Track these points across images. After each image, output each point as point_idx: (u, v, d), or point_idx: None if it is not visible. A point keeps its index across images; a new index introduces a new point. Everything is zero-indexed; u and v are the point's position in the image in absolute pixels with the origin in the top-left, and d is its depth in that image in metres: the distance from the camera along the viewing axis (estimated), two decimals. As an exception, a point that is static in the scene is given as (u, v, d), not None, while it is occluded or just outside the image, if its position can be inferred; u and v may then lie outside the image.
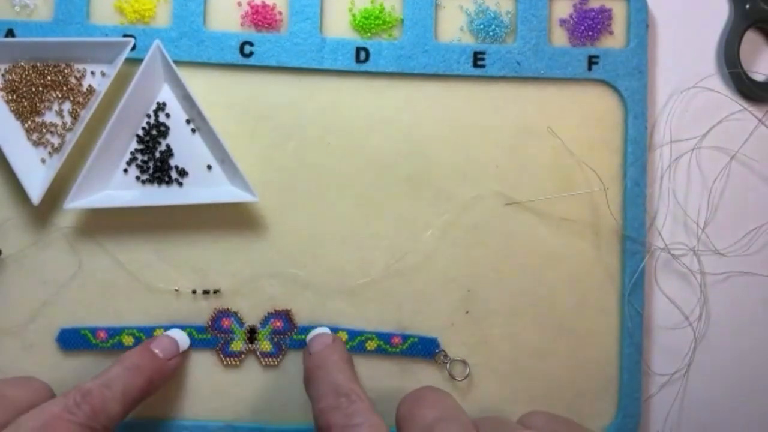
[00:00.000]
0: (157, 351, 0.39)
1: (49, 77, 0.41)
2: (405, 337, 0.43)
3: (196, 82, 0.43)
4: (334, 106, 0.44)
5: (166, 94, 0.42)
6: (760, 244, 0.47)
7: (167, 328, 0.42)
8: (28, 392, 0.36)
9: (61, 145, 0.42)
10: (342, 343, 0.41)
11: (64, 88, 0.41)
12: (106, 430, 0.34)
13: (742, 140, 0.46)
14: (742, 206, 0.47)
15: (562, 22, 0.45)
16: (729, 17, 0.47)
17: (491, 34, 0.44)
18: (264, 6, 0.43)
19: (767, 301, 0.47)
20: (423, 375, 0.43)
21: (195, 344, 0.42)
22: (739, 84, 0.47)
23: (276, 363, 0.43)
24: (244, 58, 0.43)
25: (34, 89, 0.41)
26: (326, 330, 0.42)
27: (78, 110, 0.42)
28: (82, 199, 0.40)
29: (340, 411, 0.33)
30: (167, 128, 0.42)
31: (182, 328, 0.42)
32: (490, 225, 0.44)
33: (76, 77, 0.42)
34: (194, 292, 0.43)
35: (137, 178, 0.42)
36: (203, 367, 0.43)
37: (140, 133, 0.42)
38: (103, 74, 0.42)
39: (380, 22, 0.44)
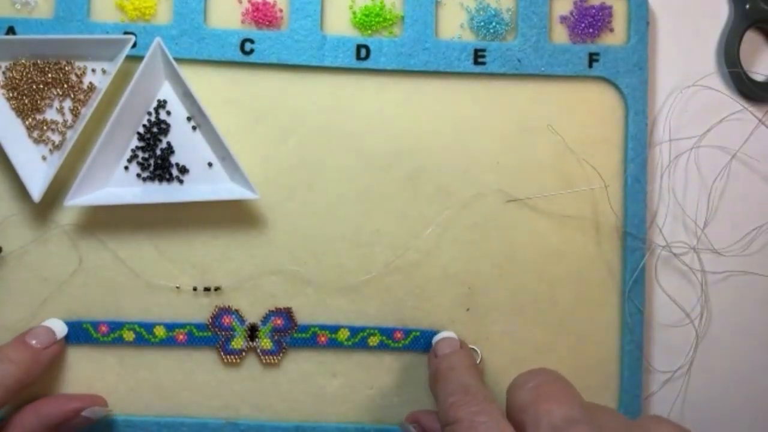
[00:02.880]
0: (33, 342, 0.40)
1: (49, 74, 0.41)
2: (407, 332, 0.43)
3: (197, 79, 0.43)
4: (334, 103, 0.44)
5: (166, 91, 0.42)
6: (760, 244, 0.47)
7: (168, 325, 0.42)
8: None
9: (61, 143, 0.42)
10: (469, 351, 0.42)
11: (65, 86, 0.41)
12: None
13: (742, 140, 0.46)
14: (742, 206, 0.47)
15: (563, 19, 0.45)
16: (729, 17, 0.47)
17: (492, 31, 0.44)
18: (264, 3, 0.43)
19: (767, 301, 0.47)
20: (426, 369, 0.43)
21: (196, 342, 0.42)
22: (739, 84, 0.47)
23: (276, 361, 0.43)
24: (244, 55, 0.43)
25: (34, 86, 0.41)
26: (453, 335, 0.42)
27: (79, 107, 0.42)
28: (82, 196, 0.40)
29: (468, 407, 0.33)
30: (168, 125, 0.42)
31: (183, 325, 0.42)
32: (490, 222, 0.44)
33: (76, 75, 0.42)
34: (195, 289, 0.43)
35: (138, 175, 0.42)
36: (204, 364, 0.43)
37: (141, 130, 0.42)
38: (103, 71, 0.42)
39: (381, 19, 0.44)
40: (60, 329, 0.42)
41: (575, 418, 0.29)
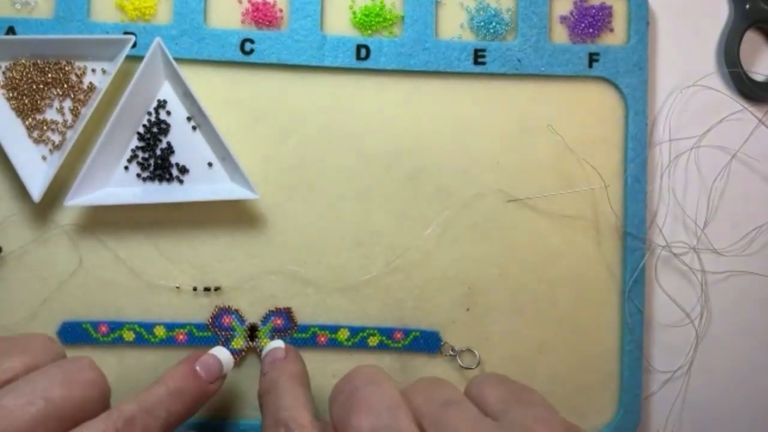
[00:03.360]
0: (201, 372, 0.36)
1: (49, 74, 0.41)
2: (407, 332, 0.43)
3: (197, 79, 0.43)
4: (334, 103, 0.44)
5: (166, 91, 0.42)
6: (760, 244, 0.47)
7: (168, 325, 0.42)
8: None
9: (61, 143, 0.42)
10: (294, 357, 0.38)
11: (65, 86, 0.41)
12: None
13: (742, 140, 0.46)
14: (742, 206, 0.47)
15: (563, 19, 0.45)
16: (729, 17, 0.47)
17: (492, 31, 0.44)
18: (264, 3, 0.43)
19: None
20: (425, 370, 0.43)
21: (196, 342, 0.42)
22: (739, 84, 0.47)
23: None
24: (244, 55, 0.43)
25: (34, 86, 0.41)
26: (279, 344, 0.39)
27: (79, 107, 0.42)
28: (82, 196, 0.40)
29: None
30: (168, 126, 0.42)
31: (183, 325, 0.42)
32: (490, 222, 0.44)
33: (76, 75, 0.42)
34: (195, 289, 0.43)
35: (138, 175, 0.42)
36: (204, 364, 0.43)
37: (141, 130, 0.42)
38: (103, 71, 0.42)
39: (381, 19, 0.44)
40: (227, 361, 0.38)
41: (380, 427, 0.27)
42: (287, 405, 0.34)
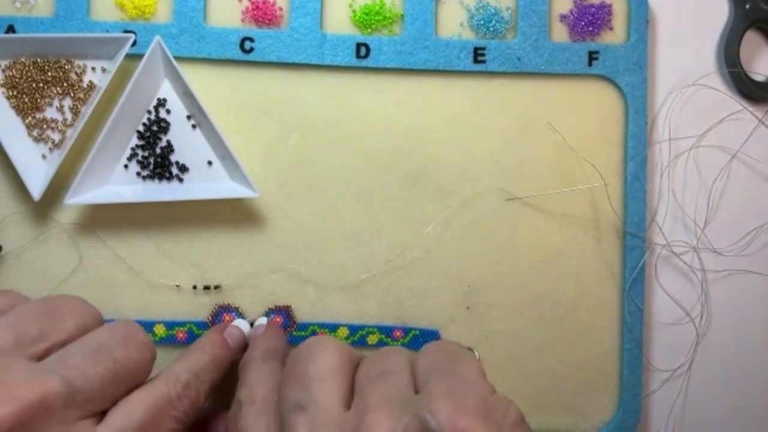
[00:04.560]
0: (230, 342, 0.38)
1: (49, 73, 0.41)
2: (406, 330, 0.43)
3: (197, 77, 0.43)
4: (334, 102, 0.44)
5: (166, 90, 0.42)
6: (760, 244, 0.47)
7: (168, 324, 0.42)
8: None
9: (61, 141, 0.42)
10: (271, 335, 0.39)
11: (65, 84, 0.42)
12: (187, 425, 0.32)
13: (741, 140, 0.46)
14: (742, 206, 0.47)
15: (563, 17, 0.45)
16: (729, 17, 0.47)
17: (491, 29, 0.44)
18: (264, 2, 0.43)
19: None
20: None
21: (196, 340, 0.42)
22: (739, 84, 0.47)
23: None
24: (244, 54, 0.43)
25: (34, 85, 0.41)
26: (262, 321, 0.41)
27: (78, 106, 0.42)
28: (82, 195, 0.40)
29: (233, 419, 0.33)
30: (168, 124, 0.42)
31: (183, 323, 0.42)
32: (490, 220, 0.44)
33: (76, 73, 0.42)
34: (195, 287, 0.43)
35: (138, 173, 0.42)
36: (204, 362, 0.43)
37: (141, 129, 0.42)
38: (103, 70, 0.42)
39: (380, 17, 0.44)
40: (248, 334, 0.40)
41: (302, 400, 0.28)
42: (249, 381, 0.35)
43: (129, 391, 0.30)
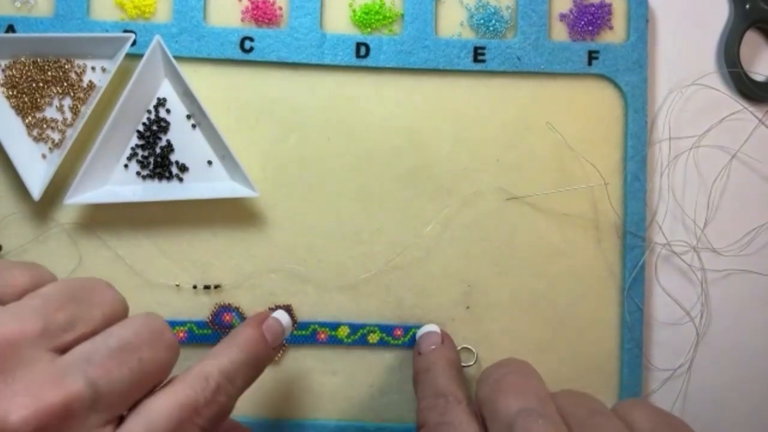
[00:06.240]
0: (268, 338, 0.34)
1: (49, 73, 0.41)
2: (407, 329, 0.43)
3: (197, 77, 0.43)
4: (334, 101, 0.44)
5: (166, 89, 0.42)
6: (760, 244, 0.47)
7: (168, 323, 0.42)
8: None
9: (61, 141, 0.42)
10: (450, 344, 0.41)
11: (65, 84, 0.42)
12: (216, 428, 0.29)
13: (741, 140, 0.46)
14: (741, 206, 0.47)
15: (562, 17, 0.45)
16: (729, 17, 0.47)
17: (491, 29, 0.44)
18: (264, 1, 0.43)
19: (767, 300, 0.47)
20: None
21: (196, 339, 0.42)
22: (739, 84, 0.47)
23: (276, 358, 0.43)
24: (244, 53, 0.43)
25: (34, 85, 0.41)
26: (435, 329, 0.41)
27: (78, 106, 0.42)
28: (82, 195, 0.40)
29: (436, 410, 0.33)
30: (168, 124, 0.42)
31: (183, 323, 0.42)
32: (490, 220, 0.44)
33: (76, 73, 0.42)
34: (195, 287, 0.43)
35: (138, 173, 0.42)
36: (204, 362, 0.43)
37: (141, 128, 0.42)
38: (103, 70, 0.42)
39: (380, 17, 0.44)
40: (288, 328, 0.36)
41: (530, 410, 0.28)
42: (446, 383, 0.36)
43: (149, 392, 0.28)
